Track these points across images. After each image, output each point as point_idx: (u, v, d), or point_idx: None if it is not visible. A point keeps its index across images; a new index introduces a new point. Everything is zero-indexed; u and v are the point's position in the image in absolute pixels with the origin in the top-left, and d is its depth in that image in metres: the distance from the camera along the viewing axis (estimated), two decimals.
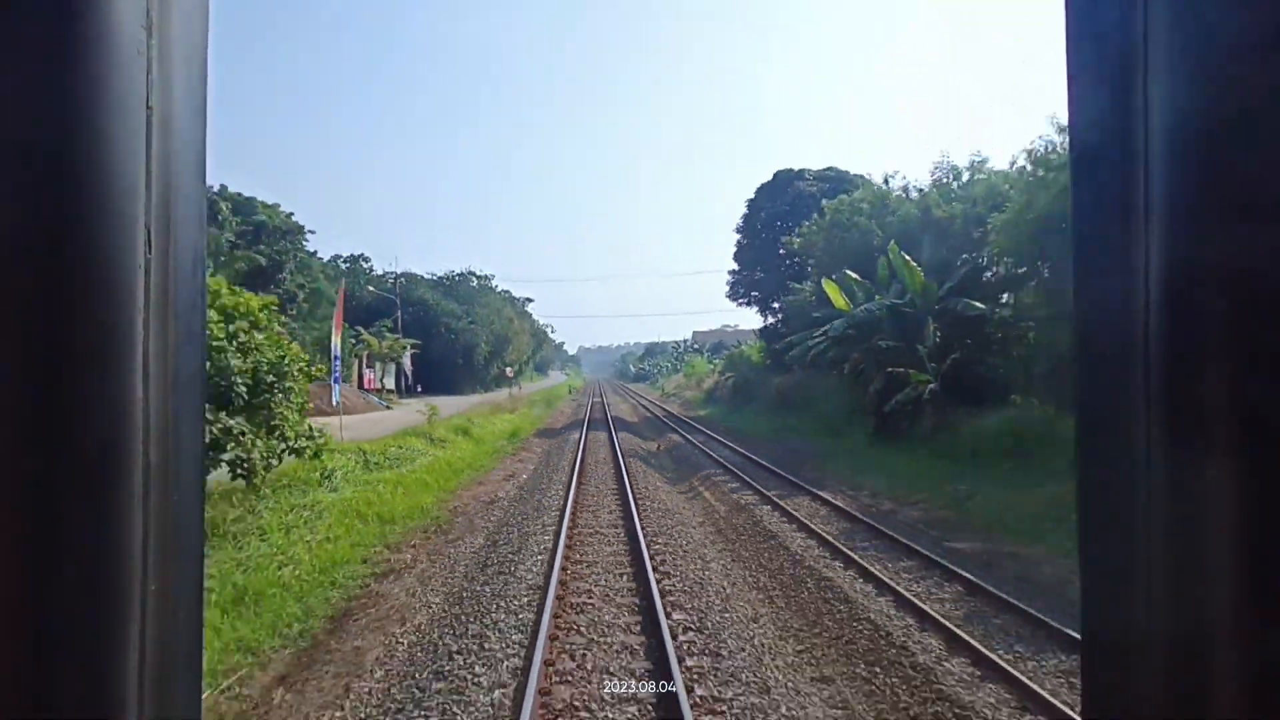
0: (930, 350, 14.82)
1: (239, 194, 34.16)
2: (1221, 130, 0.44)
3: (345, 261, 52.43)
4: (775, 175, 34.33)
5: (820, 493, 11.91)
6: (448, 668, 5.14)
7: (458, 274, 59.05)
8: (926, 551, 8.13)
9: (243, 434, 8.59)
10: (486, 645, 5.50)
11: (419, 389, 42.85)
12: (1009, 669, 5.04)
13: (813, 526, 9.54)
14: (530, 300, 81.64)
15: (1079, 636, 0.55)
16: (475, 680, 4.90)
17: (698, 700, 4.55)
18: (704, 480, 13.99)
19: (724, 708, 4.50)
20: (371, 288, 46.21)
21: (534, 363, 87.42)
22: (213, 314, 8.55)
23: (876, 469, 14.01)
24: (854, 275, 17.53)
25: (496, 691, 4.72)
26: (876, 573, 7.38)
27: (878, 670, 5.23)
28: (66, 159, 0.44)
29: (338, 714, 4.69)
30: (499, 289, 64.33)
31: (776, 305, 32.97)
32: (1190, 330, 0.45)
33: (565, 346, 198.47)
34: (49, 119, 0.43)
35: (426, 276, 56.39)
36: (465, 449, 18.36)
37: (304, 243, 35.22)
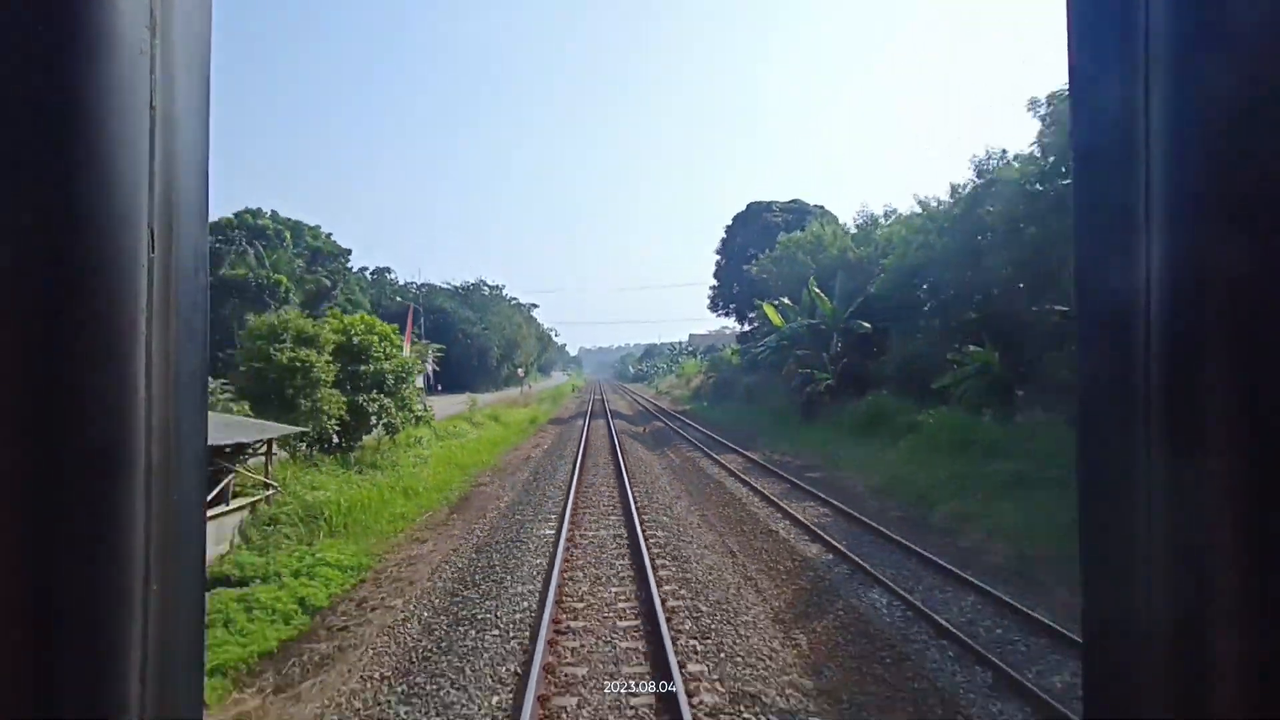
0: (831, 357, 20.96)
1: (289, 219, 40.35)
2: (1223, 131, 0.44)
3: (372, 274, 58.60)
4: (748, 206, 40.56)
5: (746, 452, 18.00)
6: (532, 504, 11.31)
7: (471, 284, 65.30)
8: (787, 475, 14.22)
9: (392, 408, 14.70)
10: (546, 497, 11.71)
11: (439, 388, 48.95)
12: (788, 509, 11.14)
13: (729, 467, 15.64)
14: (535, 306, 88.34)
15: (1079, 639, 0.54)
16: (546, 507, 11.08)
17: (638, 508, 10.69)
18: (672, 447, 20.10)
19: (651, 517, 10.59)
20: (399, 298, 52.53)
21: (538, 364, 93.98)
22: (374, 338, 14.67)
23: (792, 439, 20.11)
24: (787, 301, 23.74)
25: (555, 509, 10.89)
26: (750, 482, 13.50)
27: (728, 509, 11.34)
28: (69, 159, 0.43)
29: (483, 521, 10.79)
30: (509, 297, 70.82)
31: (752, 315, 39.09)
32: (1191, 330, 0.45)
33: (567, 348, 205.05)
34: (52, 118, 0.43)
35: (443, 286, 62.59)
36: (498, 430, 24.47)
37: (347, 264, 41.34)
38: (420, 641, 6.11)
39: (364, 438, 14.85)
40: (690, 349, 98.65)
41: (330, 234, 42.62)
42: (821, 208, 38.49)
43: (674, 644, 5.64)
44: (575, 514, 10.39)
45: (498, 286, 66.37)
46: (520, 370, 57.32)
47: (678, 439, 22.21)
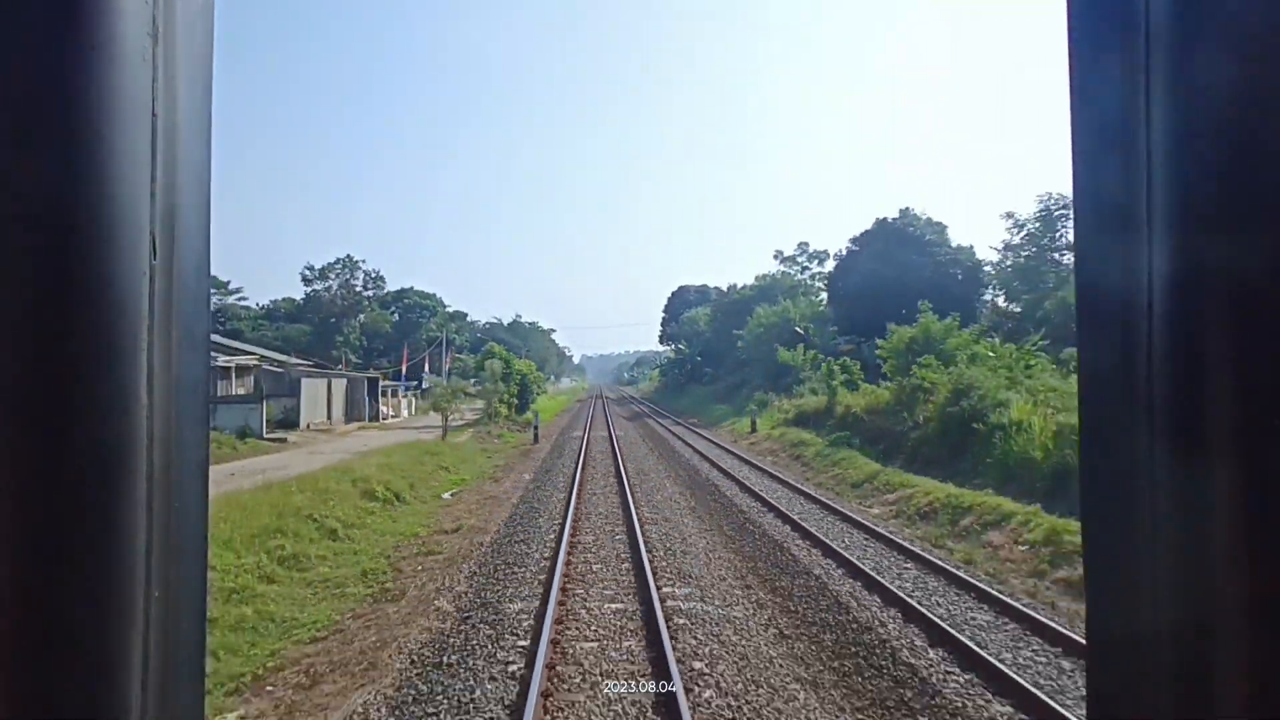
0: (684, 371, 55.19)
1: (426, 292, 74.38)
2: (1225, 129, 0.43)
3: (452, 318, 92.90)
4: (679, 288, 74.83)
5: (646, 403, 52.48)
6: (583, 410, 46.18)
7: (515, 319, 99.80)
8: (653, 404, 48.60)
9: (539, 389, 48.81)
10: (585, 408, 46.66)
11: None
12: (643, 410, 45.45)
13: (638, 404, 50.23)
14: (554, 330, 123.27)
15: (1083, 640, 0.54)
16: (586, 412, 45.86)
17: (608, 413, 45.22)
18: (627, 405, 54.61)
19: (612, 413, 44.87)
20: (479, 335, 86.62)
21: (554, 373, 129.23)
22: (534, 367, 48.77)
23: (667, 401, 54.48)
24: (673, 346, 58.01)
25: (589, 410, 45.58)
26: (641, 406, 47.99)
27: (628, 409, 45.72)
28: (72, 166, 0.43)
29: (573, 412, 45.14)
30: (537, 326, 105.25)
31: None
32: (1193, 333, 0.45)
33: (572, 357, 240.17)
34: (54, 125, 0.43)
35: (493, 321, 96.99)
36: (557, 402, 58.75)
37: (468, 321, 75.72)
38: (573, 419, 40.20)
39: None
40: (667, 359, 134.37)
41: (432, 292, 76.90)
42: (719, 289, 72.60)
43: (607, 409, 39.81)
44: (594, 413, 44.62)
45: (534, 322, 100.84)
46: (551, 377, 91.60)
47: (630, 404, 56.58)
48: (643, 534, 9.87)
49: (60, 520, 0.43)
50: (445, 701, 5.02)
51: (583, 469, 16.91)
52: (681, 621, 6.49)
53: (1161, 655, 0.47)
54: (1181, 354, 0.46)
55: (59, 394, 0.43)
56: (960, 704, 5.16)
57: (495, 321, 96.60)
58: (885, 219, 37.03)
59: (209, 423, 0.56)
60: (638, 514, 11.27)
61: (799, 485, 14.92)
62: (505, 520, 11.48)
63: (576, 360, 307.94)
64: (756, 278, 47.29)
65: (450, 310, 73.39)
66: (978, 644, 6.07)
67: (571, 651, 5.85)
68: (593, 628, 6.44)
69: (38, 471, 0.43)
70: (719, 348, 46.37)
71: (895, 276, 33.01)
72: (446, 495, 14.90)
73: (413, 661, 5.82)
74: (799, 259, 48.28)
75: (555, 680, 5.33)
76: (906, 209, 37.40)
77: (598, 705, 4.92)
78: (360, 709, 5.00)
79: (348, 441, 23.69)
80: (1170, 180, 0.46)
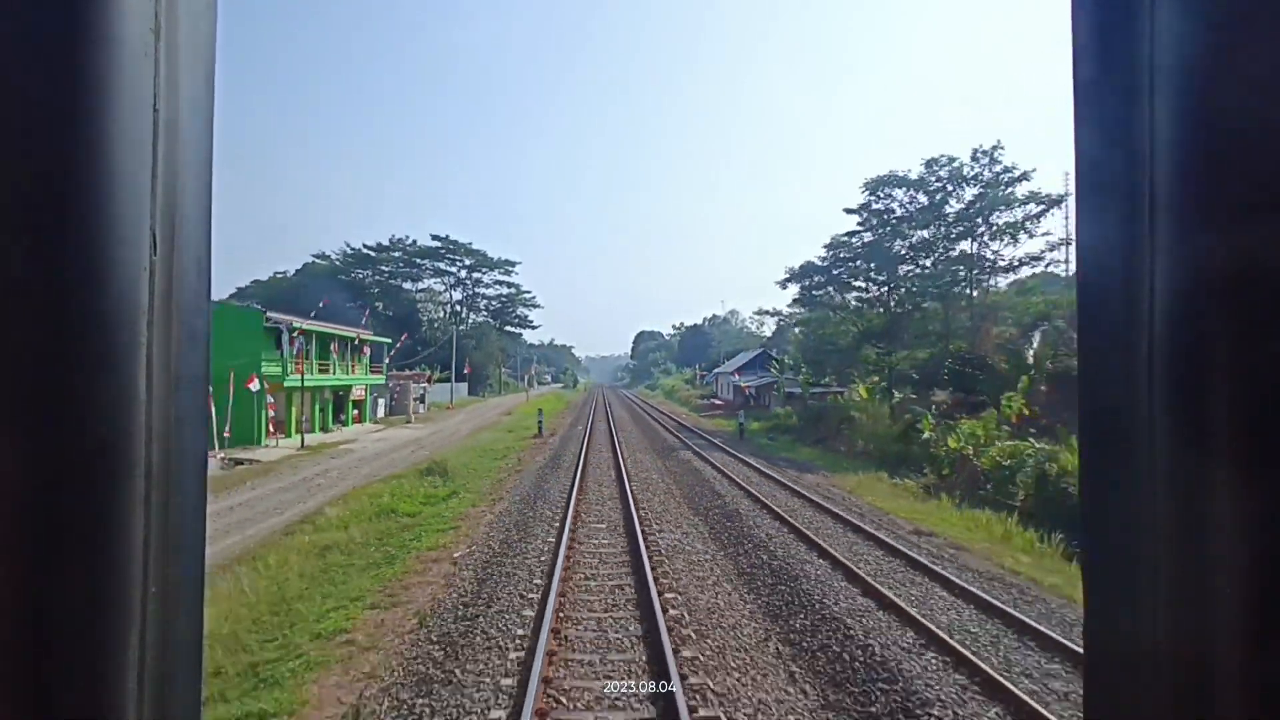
0: (639, 375, 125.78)
1: (511, 332, 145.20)
2: (1226, 134, 0.44)
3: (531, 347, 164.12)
4: (640, 332, 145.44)
5: (620, 389, 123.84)
6: (595, 391, 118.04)
7: (551, 341, 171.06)
8: (626, 391, 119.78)
9: (577, 380, 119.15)
10: (596, 390, 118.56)
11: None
12: (621, 392, 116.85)
13: (621, 391, 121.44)
14: (573, 347, 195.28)
15: (1081, 649, 0.53)
16: (597, 392, 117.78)
17: (604, 395, 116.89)
18: (616, 393, 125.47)
19: (608, 394, 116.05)
20: (535, 353, 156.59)
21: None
22: (575, 374, 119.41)
23: (630, 387, 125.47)
24: (633, 364, 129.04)
25: (598, 391, 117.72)
26: (620, 390, 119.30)
27: (614, 393, 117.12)
28: (72, 160, 0.43)
29: (590, 391, 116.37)
30: (567, 347, 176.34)
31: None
32: (1195, 336, 0.44)
33: (580, 360, 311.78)
34: (55, 120, 0.43)
35: (541, 343, 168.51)
36: (583, 387, 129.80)
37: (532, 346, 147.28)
38: (593, 391, 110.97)
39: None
40: (632, 368, 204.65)
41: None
42: (661, 334, 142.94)
43: (603, 392, 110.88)
44: (599, 392, 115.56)
45: (563, 344, 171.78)
46: (576, 377, 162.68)
47: (618, 393, 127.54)
48: (606, 400, 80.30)
49: (58, 516, 0.43)
50: (588, 407, 75.08)
51: (599, 397, 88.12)
52: (615, 409, 76.91)
53: (1161, 665, 0.46)
54: (1184, 355, 0.45)
55: (58, 389, 0.43)
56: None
57: (542, 343, 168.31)
58: (706, 317, 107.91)
59: (208, 419, 0.54)
60: (606, 399, 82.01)
61: (642, 399, 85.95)
62: (583, 400, 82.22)
63: (582, 362, 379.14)
64: (667, 335, 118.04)
65: (528, 343, 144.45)
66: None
67: (599, 392, 76.83)
68: (603, 395, 77.57)
69: (36, 467, 0.43)
70: (646, 365, 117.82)
71: (695, 344, 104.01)
72: (578, 396, 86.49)
73: (577, 407, 75.89)
74: (679, 328, 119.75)
75: (598, 396, 76.22)
76: (714, 315, 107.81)
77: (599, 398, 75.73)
78: (575, 406, 75.68)
79: (533, 394, 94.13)
80: (1173, 189, 0.46)
